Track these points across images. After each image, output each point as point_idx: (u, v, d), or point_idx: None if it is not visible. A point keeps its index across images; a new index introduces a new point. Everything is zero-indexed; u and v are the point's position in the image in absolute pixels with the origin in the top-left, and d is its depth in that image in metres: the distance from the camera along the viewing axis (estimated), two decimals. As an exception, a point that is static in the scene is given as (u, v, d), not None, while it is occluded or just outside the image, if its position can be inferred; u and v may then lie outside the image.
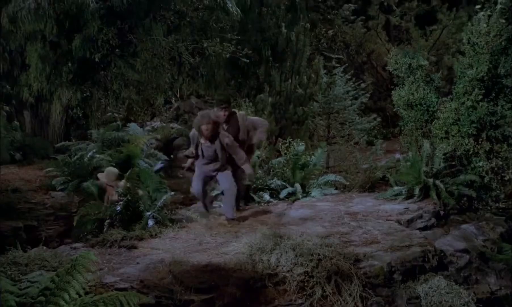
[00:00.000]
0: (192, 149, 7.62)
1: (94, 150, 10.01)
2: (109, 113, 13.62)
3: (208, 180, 7.84)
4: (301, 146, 9.87)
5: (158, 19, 11.35)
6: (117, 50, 11.20)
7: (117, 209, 7.15)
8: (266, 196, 8.85)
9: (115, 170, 8.24)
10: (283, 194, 8.96)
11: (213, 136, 7.32)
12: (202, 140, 7.39)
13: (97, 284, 4.92)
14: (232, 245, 6.18)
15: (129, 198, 7.21)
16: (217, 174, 7.62)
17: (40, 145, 11.21)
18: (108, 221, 7.07)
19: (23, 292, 3.93)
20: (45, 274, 4.32)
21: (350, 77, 12.30)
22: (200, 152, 7.50)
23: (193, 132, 7.57)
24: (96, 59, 10.80)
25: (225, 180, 7.58)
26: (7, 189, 8.73)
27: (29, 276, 4.28)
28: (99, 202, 7.87)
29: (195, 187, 7.78)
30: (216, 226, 7.29)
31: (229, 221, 7.44)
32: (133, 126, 12.27)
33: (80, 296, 3.83)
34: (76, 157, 9.74)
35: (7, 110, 12.18)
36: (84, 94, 11.78)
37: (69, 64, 11.02)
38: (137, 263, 5.83)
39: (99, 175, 8.23)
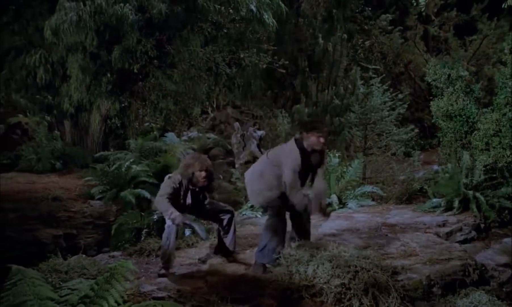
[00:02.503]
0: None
1: (131, 160, 10.13)
2: (147, 124, 13.79)
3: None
4: (337, 157, 9.81)
5: (195, 30, 11.47)
6: (155, 61, 11.35)
7: (154, 217, 7.21)
8: (302, 207, 8.80)
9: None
10: (319, 205, 8.89)
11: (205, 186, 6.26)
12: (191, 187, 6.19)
13: (135, 293, 4.97)
14: (268, 256, 6.16)
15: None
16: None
17: (79, 155, 11.39)
18: (146, 230, 7.14)
19: (63, 299, 3.99)
20: (85, 281, 4.38)
21: (387, 88, 12.16)
22: (184, 200, 6.18)
23: (175, 178, 6.14)
24: (135, 70, 10.95)
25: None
26: (48, 197, 8.89)
27: (69, 283, 4.34)
28: (137, 211, 7.95)
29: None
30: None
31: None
32: (170, 136, 12.38)
33: (118, 304, 3.86)
34: (114, 166, 9.86)
35: (48, 120, 12.43)
36: (123, 105, 11.94)
37: (108, 75, 11.20)
38: (174, 272, 5.87)
39: None
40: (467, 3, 19.03)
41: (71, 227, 8.41)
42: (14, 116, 13.16)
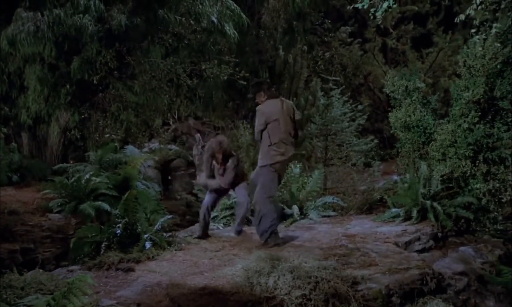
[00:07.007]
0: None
1: (91, 173, 10.00)
2: (107, 135, 13.65)
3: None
4: (298, 168, 9.87)
5: (156, 41, 11.41)
6: (115, 72, 11.25)
7: (116, 231, 7.12)
8: (264, 218, 8.81)
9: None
10: (280, 216, 8.93)
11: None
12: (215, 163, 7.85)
13: (93, 308, 4.88)
14: (229, 268, 6.16)
15: (127, 220, 7.18)
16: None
17: (37, 167, 11.20)
18: (105, 243, 7.03)
19: (19, 316, 3.91)
20: (41, 297, 4.30)
21: (347, 99, 12.30)
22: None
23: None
24: (95, 81, 10.83)
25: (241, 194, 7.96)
26: (4, 211, 8.70)
27: (25, 299, 4.26)
28: (96, 224, 7.84)
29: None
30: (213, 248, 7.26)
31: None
32: (130, 148, 12.29)
33: (76, 320, 3.80)
34: (73, 179, 9.73)
35: (5, 132, 12.19)
36: (82, 116, 11.79)
37: (68, 86, 11.05)
38: (134, 286, 5.80)
39: None
40: (423, 17, 19.46)
41: (28, 241, 8.25)
42: (-31, 128, 12.86)
